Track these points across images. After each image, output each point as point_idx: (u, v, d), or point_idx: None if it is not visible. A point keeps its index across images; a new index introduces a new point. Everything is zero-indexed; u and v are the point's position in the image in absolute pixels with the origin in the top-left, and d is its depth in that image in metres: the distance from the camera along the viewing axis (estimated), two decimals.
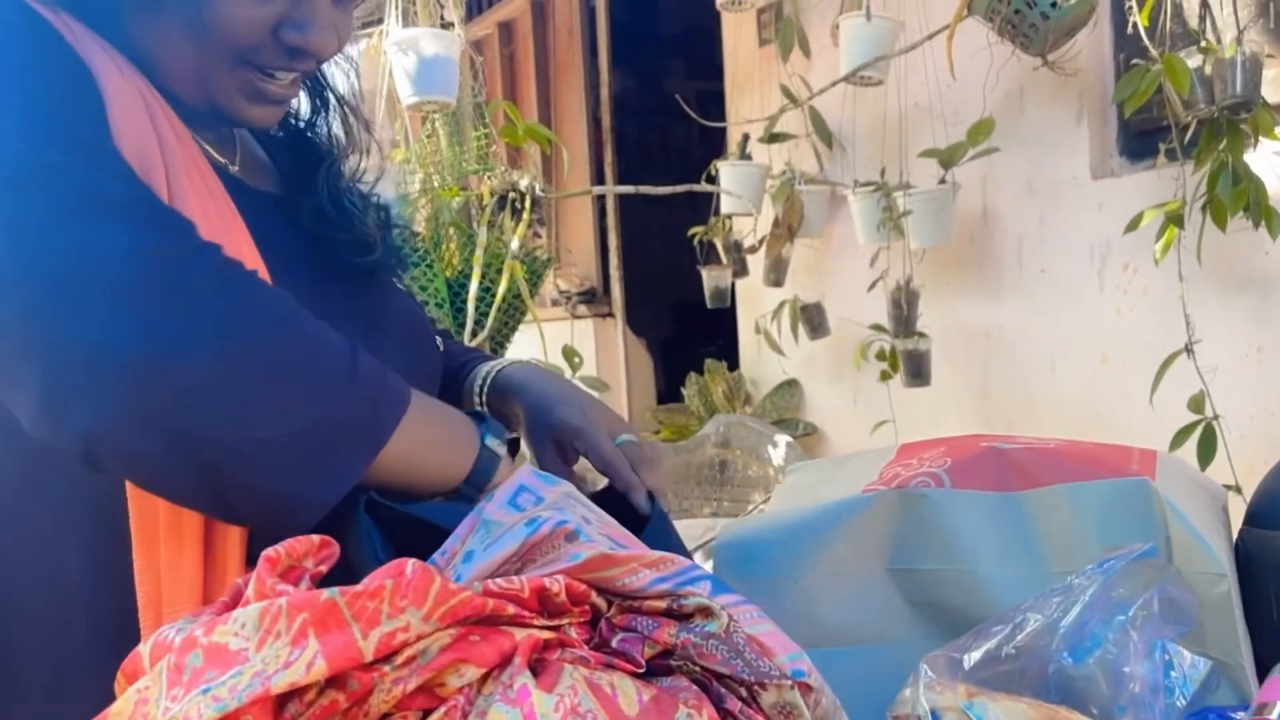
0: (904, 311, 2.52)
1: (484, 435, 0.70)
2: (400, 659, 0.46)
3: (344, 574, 0.54)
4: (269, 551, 0.51)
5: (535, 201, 2.27)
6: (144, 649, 0.50)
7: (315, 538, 0.54)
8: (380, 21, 2.22)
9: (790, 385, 3.15)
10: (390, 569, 0.48)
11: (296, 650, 0.45)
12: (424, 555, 0.53)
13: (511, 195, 2.32)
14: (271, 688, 0.44)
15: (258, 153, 0.83)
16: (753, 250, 2.99)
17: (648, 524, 0.74)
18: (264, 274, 0.66)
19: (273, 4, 0.69)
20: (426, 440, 0.66)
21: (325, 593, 0.46)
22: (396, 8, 2.08)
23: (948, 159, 2.39)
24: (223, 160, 0.76)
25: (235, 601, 0.51)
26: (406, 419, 0.64)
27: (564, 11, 4.33)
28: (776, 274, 2.90)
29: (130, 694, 0.48)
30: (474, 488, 0.68)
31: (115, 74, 0.66)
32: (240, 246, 0.67)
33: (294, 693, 0.46)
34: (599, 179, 4.14)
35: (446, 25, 2.20)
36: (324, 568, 0.54)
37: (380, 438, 0.62)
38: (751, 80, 3.16)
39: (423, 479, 0.67)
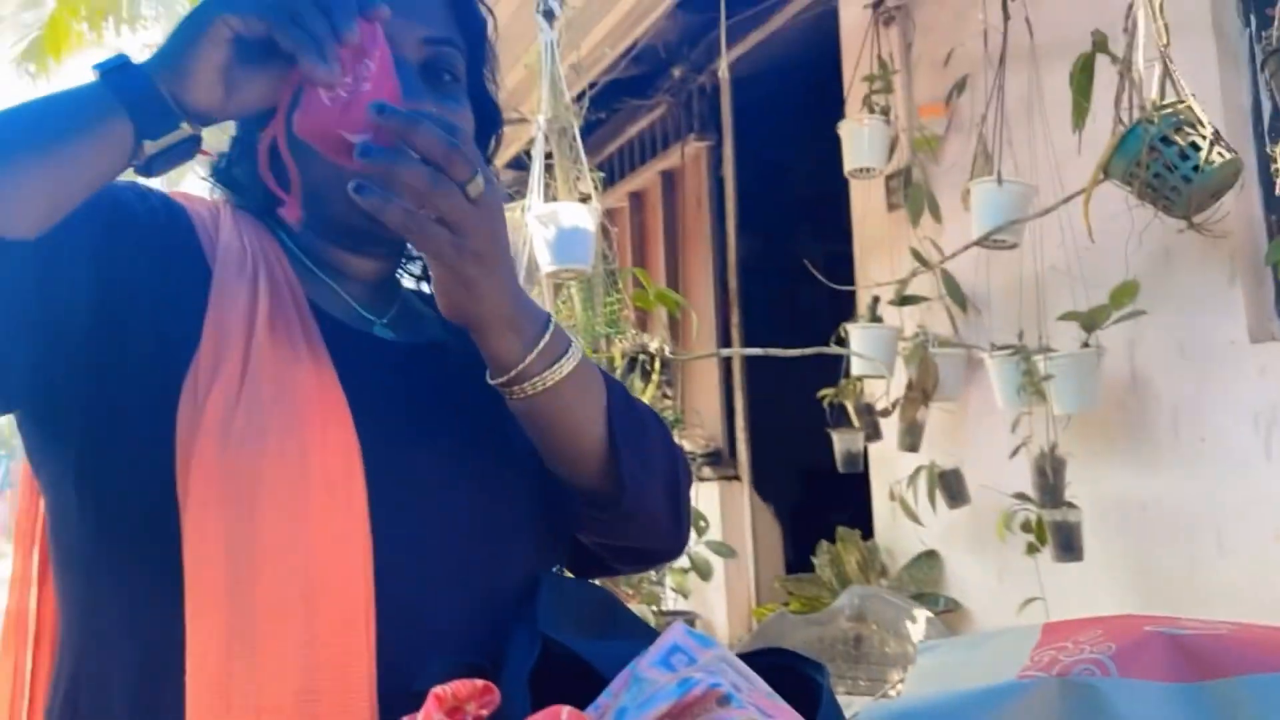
0: (1050, 480, 2.43)
1: None
2: None
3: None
4: (438, 690, 0.53)
5: (664, 363, 2.33)
6: None
7: (480, 682, 0.55)
8: (523, 195, 2.38)
9: (929, 556, 3.04)
10: (547, 715, 0.49)
11: None
12: (571, 696, 0.54)
13: (641, 357, 2.39)
14: None
15: (418, 308, 0.90)
16: (885, 413, 2.97)
17: (820, 704, 0.70)
18: (340, 410, 0.71)
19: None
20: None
21: None
22: (539, 183, 2.24)
23: (1090, 322, 2.35)
24: (369, 318, 0.83)
25: None
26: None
27: (693, 181, 4.54)
28: (912, 438, 2.85)
29: None
30: None
31: (234, 240, 0.76)
32: (310, 386, 0.71)
33: None
34: (725, 341, 4.21)
35: (584, 198, 2.35)
36: (485, 712, 0.55)
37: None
38: (881, 243, 3.22)
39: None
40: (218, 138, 0.86)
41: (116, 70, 0.65)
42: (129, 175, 0.71)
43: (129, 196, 0.75)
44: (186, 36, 0.66)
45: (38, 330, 0.66)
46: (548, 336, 0.76)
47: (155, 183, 0.77)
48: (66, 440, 0.73)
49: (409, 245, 0.87)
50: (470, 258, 0.68)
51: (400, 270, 0.92)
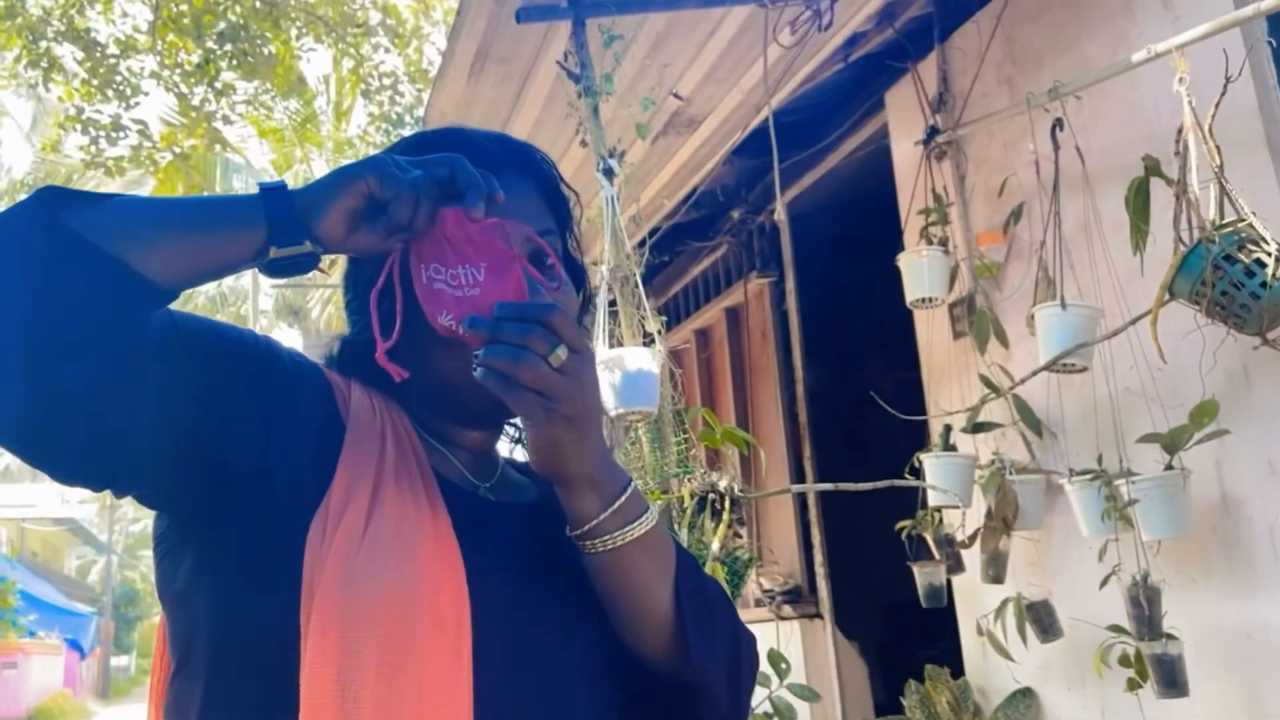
0: (1146, 610, 2.32)
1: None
2: None
3: None
4: None
5: (734, 502, 2.33)
6: None
7: None
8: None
9: (1024, 695, 2.90)
10: None
11: None
12: None
13: (711, 496, 2.39)
14: None
15: (514, 477, 0.98)
16: (965, 545, 2.89)
17: None
18: (453, 557, 0.77)
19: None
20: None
21: None
22: (604, 329, 2.30)
23: (1171, 443, 2.30)
24: (475, 482, 0.91)
25: None
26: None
27: (757, 316, 4.61)
28: (995, 570, 2.77)
29: None
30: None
31: (365, 402, 0.85)
32: (427, 532, 0.78)
33: None
34: (798, 475, 4.18)
35: (648, 341, 2.40)
36: None
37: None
38: (949, 371, 3.20)
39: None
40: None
41: (273, 191, 0.79)
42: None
43: (284, 349, 0.86)
44: (335, 182, 0.79)
45: (167, 406, 0.74)
46: (624, 498, 0.82)
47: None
48: (202, 557, 0.80)
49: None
50: (560, 420, 0.77)
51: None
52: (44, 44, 7.35)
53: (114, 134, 7.54)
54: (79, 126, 7.58)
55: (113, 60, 7.45)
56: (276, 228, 0.77)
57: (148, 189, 9.84)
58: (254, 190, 0.80)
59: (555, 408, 0.76)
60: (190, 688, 0.78)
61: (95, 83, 7.42)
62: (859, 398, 4.10)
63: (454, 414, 0.91)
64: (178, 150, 8.00)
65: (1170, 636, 2.29)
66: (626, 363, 2.28)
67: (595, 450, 0.80)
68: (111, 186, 10.29)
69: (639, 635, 0.86)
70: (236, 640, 0.76)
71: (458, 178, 0.79)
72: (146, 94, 7.79)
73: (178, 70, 7.63)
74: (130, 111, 7.59)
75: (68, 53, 7.58)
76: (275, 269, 0.79)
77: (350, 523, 0.75)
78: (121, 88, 7.49)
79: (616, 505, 0.82)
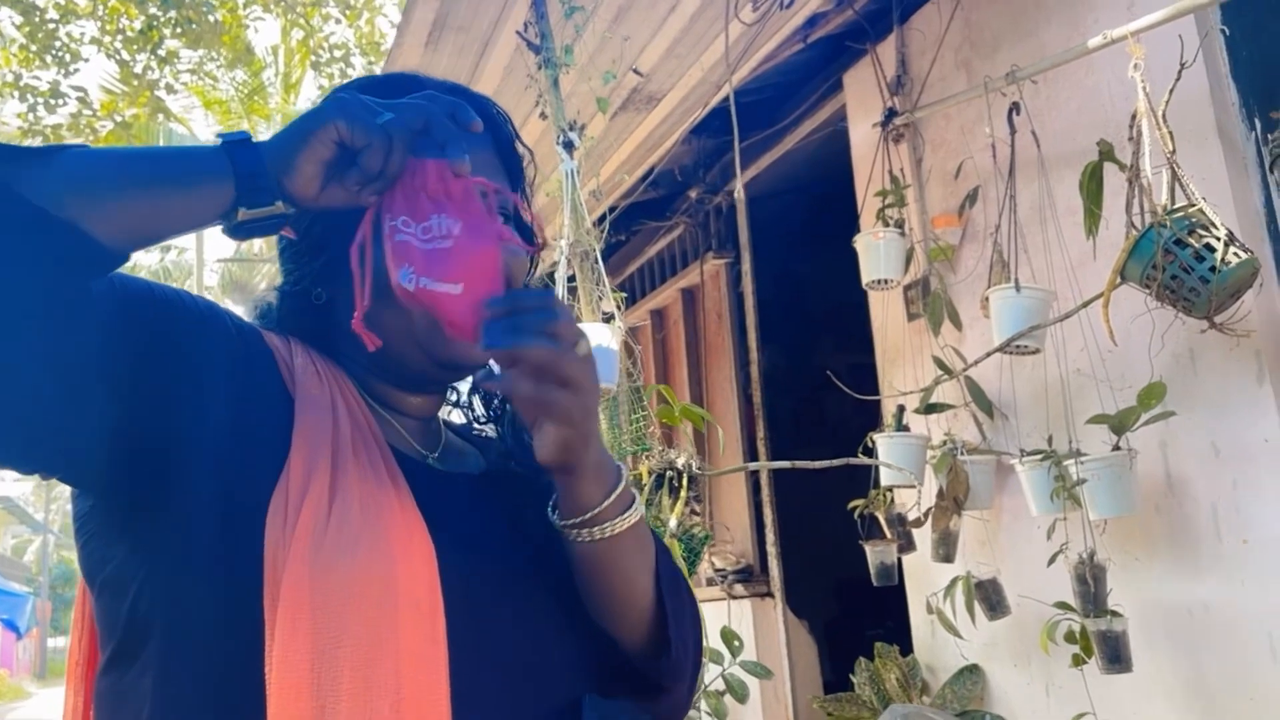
0: (1091, 588, 2.37)
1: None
2: None
3: None
4: None
5: (692, 479, 2.33)
6: None
7: None
8: None
9: (971, 671, 2.95)
10: None
11: None
12: None
13: (669, 474, 2.38)
14: None
15: (457, 444, 0.95)
16: (918, 524, 2.93)
17: None
18: (422, 536, 0.74)
19: None
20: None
21: None
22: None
23: (1119, 425, 2.34)
24: (423, 451, 0.88)
25: None
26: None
27: (713, 296, 4.61)
28: (945, 549, 2.80)
29: None
30: None
31: (310, 368, 0.81)
32: (394, 509, 0.75)
33: None
34: (752, 455, 4.20)
35: (607, 318, 2.39)
36: None
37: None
38: (903, 353, 3.23)
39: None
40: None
41: (238, 144, 0.73)
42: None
43: (226, 314, 0.81)
44: (301, 131, 0.73)
45: (109, 382, 0.68)
46: (621, 486, 0.81)
47: None
48: (138, 541, 0.74)
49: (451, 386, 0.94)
50: (589, 414, 0.75)
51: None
52: None
53: (52, 101, 7.31)
54: (16, 93, 7.33)
55: (52, 25, 7.22)
56: (245, 186, 0.71)
57: None
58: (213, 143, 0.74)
59: (585, 401, 0.74)
60: (137, 680, 0.72)
61: (34, 48, 7.18)
62: (813, 379, 4.13)
63: (400, 378, 0.88)
64: (119, 119, 7.78)
65: (1115, 613, 2.34)
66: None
67: (598, 437, 0.79)
68: None
69: (621, 622, 0.85)
70: (192, 628, 0.71)
71: (433, 129, 0.75)
72: (86, 60, 7.56)
73: (119, 36, 7.41)
74: (69, 78, 7.37)
75: (5, 17, 7.34)
76: (241, 230, 0.74)
77: (313, 502, 0.71)
78: (60, 53, 7.26)
79: (616, 493, 0.80)
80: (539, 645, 0.81)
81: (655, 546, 0.87)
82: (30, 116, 7.37)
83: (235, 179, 0.71)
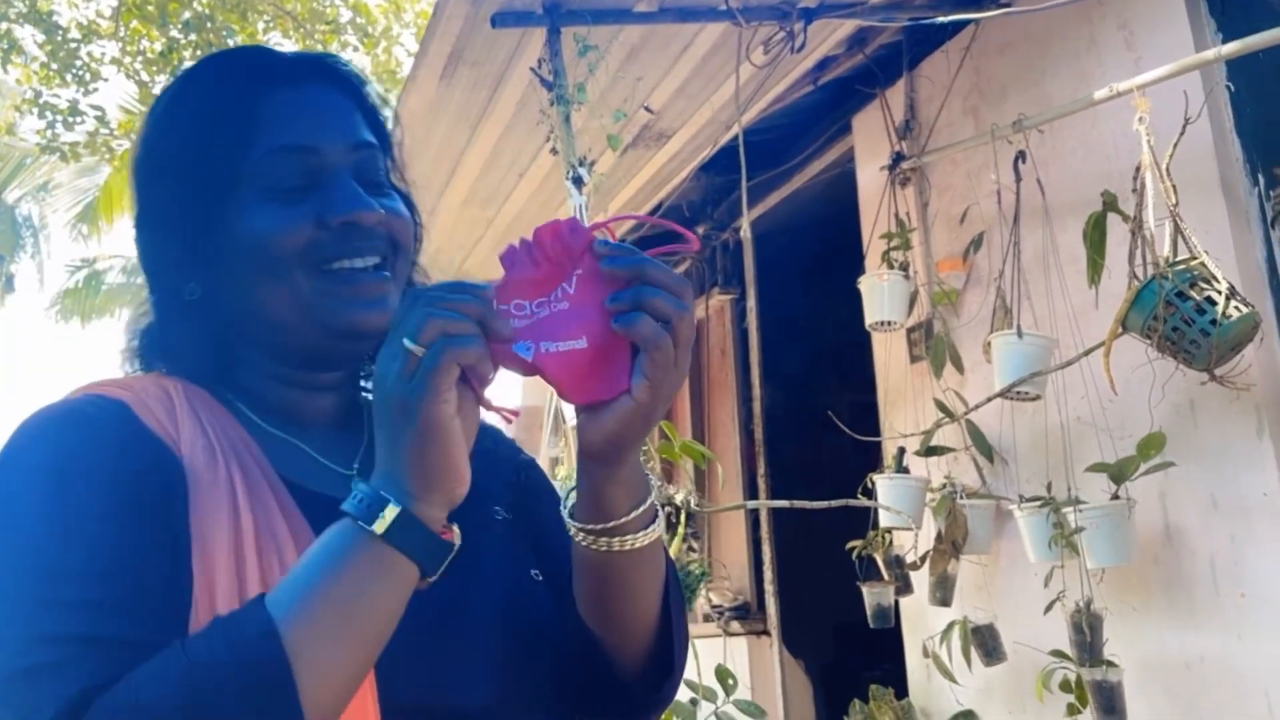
0: (1088, 637, 2.36)
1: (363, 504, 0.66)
2: None
3: None
4: None
5: (689, 515, 2.33)
6: None
7: None
8: None
9: (966, 716, 2.92)
10: None
11: None
12: None
13: (667, 509, 2.39)
14: None
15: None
16: (915, 566, 2.92)
17: None
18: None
19: (307, 204, 0.79)
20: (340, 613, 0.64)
21: None
22: None
23: (1119, 474, 2.34)
24: (341, 471, 0.84)
25: None
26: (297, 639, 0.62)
27: (718, 332, 4.62)
28: (943, 592, 2.79)
29: None
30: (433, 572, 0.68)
31: (196, 435, 0.76)
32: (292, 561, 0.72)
33: None
34: (752, 492, 4.19)
35: None
36: None
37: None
38: (904, 395, 3.24)
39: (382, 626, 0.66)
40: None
41: (370, 510, 0.66)
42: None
43: (119, 463, 0.73)
44: (420, 438, 0.65)
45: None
46: (650, 498, 0.78)
47: None
48: None
49: (363, 374, 0.90)
50: (668, 401, 0.72)
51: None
52: (4, 25, 7.20)
53: (71, 119, 7.38)
54: (35, 110, 7.42)
55: (74, 44, 7.31)
56: (427, 562, 0.67)
57: (102, 176, 9.65)
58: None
59: (679, 376, 0.70)
60: None
61: (55, 66, 7.27)
62: (815, 418, 4.13)
63: (302, 361, 0.83)
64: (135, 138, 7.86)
65: (1110, 664, 2.33)
66: None
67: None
68: (65, 172, 10.07)
69: (621, 637, 0.83)
70: None
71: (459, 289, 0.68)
72: (106, 80, 7.65)
73: (140, 58, 7.50)
74: (89, 97, 7.45)
75: (28, 35, 7.43)
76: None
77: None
78: (81, 73, 7.35)
79: (644, 505, 0.77)
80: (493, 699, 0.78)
81: (667, 566, 0.84)
82: (48, 133, 7.45)
83: (420, 564, 0.67)
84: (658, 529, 0.79)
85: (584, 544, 0.78)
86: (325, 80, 0.85)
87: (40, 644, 0.63)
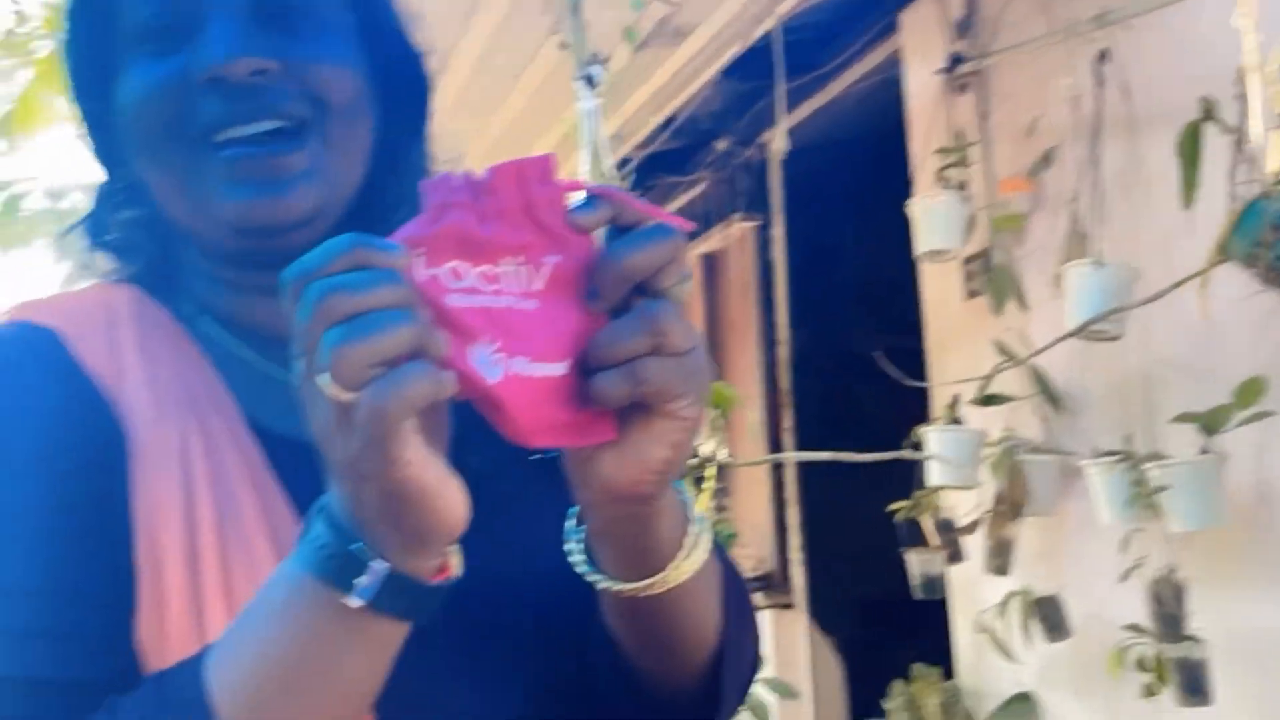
0: (1168, 609, 2.36)
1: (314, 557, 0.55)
2: None
3: None
4: None
5: (720, 470, 2.32)
6: None
7: None
8: None
9: (1024, 700, 2.95)
10: None
11: None
12: None
13: (692, 463, 2.37)
14: None
15: None
16: (968, 531, 2.92)
17: None
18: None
19: (174, 54, 0.71)
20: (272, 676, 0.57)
21: None
22: None
23: (1211, 424, 2.32)
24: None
25: None
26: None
27: (738, 265, 4.58)
28: (1000, 560, 2.80)
29: None
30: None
31: (141, 373, 0.70)
32: (261, 553, 0.66)
33: None
34: (776, 447, 4.19)
35: None
36: None
37: None
38: (958, 336, 3.22)
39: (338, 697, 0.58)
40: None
41: (379, 589, 0.55)
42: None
43: (49, 429, 0.67)
44: (387, 501, 0.53)
45: None
46: (699, 528, 0.68)
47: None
48: None
49: None
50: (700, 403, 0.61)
51: None
52: None
53: None
54: None
55: None
56: (422, 616, 0.58)
57: (20, 82, 9.51)
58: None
59: (701, 409, 0.60)
60: None
61: None
62: (848, 364, 4.11)
63: (225, 260, 0.76)
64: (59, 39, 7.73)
65: (1194, 639, 2.34)
66: None
67: None
68: None
69: (669, 674, 0.74)
70: None
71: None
72: None
73: None
74: None
75: None
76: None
77: (177, 638, 0.63)
78: None
79: (694, 525, 0.68)
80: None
81: (723, 568, 0.75)
82: None
83: (417, 620, 0.58)
84: (705, 546, 0.68)
85: (615, 593, 0.67)
86: None
87: None
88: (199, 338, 0.75)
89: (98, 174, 0.82)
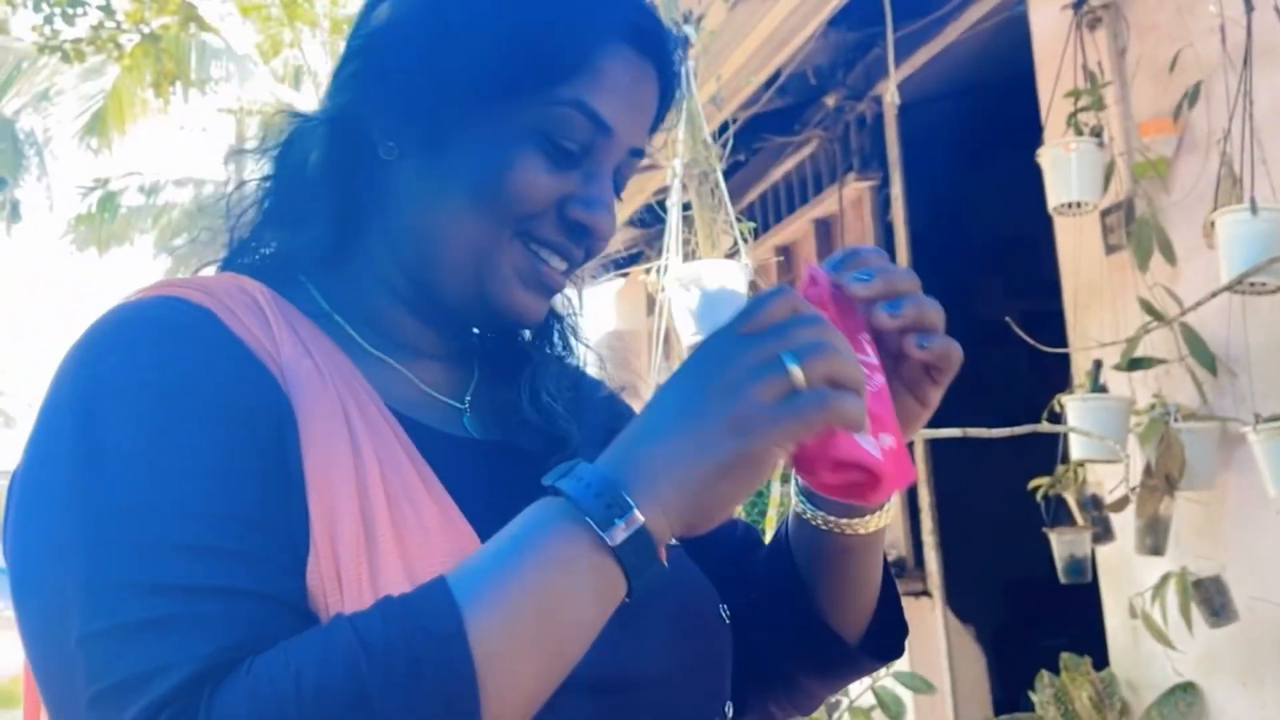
0: None
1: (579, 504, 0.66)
2: None
3: None
4: None
5: None
6: None
7: None
8: (656, 255, 2.42)
9: (1186, 690, 2.88)
10: None
11: None
12: None
13: None
14: None
15: (489, 373, 0.95)
16: (1117, 508, 2.86)
17: None
18: (454, 518, 0.74)
19: (567, 177, 0.83)
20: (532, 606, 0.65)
21: None
22: (677, 239, 2.27)
23: None
24: (452, 403, 0.89)
25: None
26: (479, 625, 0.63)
27: (854, 228, 4.54)
28: (1154, 538, 2.74)
29: None
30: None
31: (303, 362, 0.77)
32: (428, 509, 0.74)
33: None
34: None
35: (731, 253, 2.37)
36: None
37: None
38: (1100, 295, 3.14)
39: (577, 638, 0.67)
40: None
41: (632, 537, 0.65)
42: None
43: (225, 385, 0.74)
44: (728, 465, 0.66)
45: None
46: None
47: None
48: None
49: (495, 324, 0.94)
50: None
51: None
52: None
53: (70, 10, 7.57)
54: (30, 3, 7.62)
55: None
56: (638, 587, 0.68)
57: (110, 77, 9.92)
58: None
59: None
60: None
61: None
62: (977, 330, 4.01)
63: (430, 295, 0.87)
64: (145, 31, 8.02)
65: None
66: (706, 279, 2.24)
67: None
68: (68, 75, 10.37)
69: (854, 615, 0.94)
70: None
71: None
72: None
73: None
74: None
75: None
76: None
77: (351, 579, 0.70)
78: None
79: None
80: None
81: None
82: (46, 29, 7.65)
83: (631, 589, 0.67)
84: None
85: (831, 530, 0.88)
86: (658, 59, 0.87)
87: (164, 593, 0.64)
88: (328, 329, 0.84)
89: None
